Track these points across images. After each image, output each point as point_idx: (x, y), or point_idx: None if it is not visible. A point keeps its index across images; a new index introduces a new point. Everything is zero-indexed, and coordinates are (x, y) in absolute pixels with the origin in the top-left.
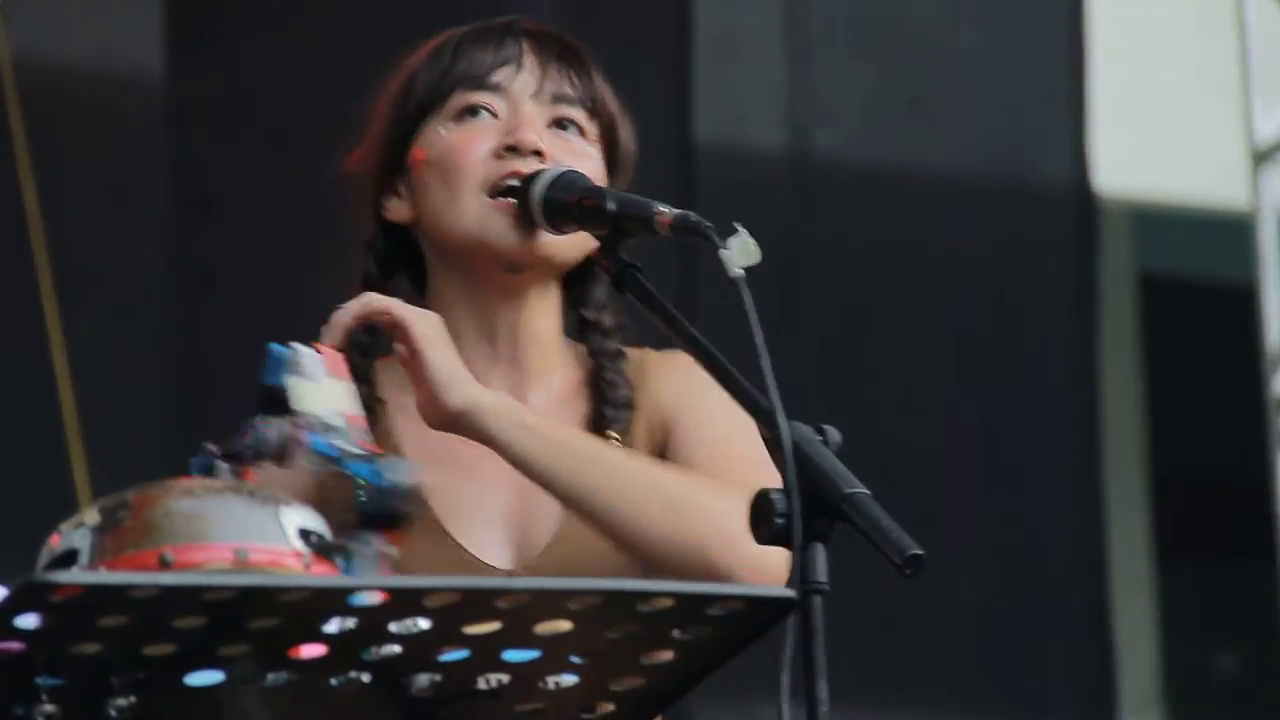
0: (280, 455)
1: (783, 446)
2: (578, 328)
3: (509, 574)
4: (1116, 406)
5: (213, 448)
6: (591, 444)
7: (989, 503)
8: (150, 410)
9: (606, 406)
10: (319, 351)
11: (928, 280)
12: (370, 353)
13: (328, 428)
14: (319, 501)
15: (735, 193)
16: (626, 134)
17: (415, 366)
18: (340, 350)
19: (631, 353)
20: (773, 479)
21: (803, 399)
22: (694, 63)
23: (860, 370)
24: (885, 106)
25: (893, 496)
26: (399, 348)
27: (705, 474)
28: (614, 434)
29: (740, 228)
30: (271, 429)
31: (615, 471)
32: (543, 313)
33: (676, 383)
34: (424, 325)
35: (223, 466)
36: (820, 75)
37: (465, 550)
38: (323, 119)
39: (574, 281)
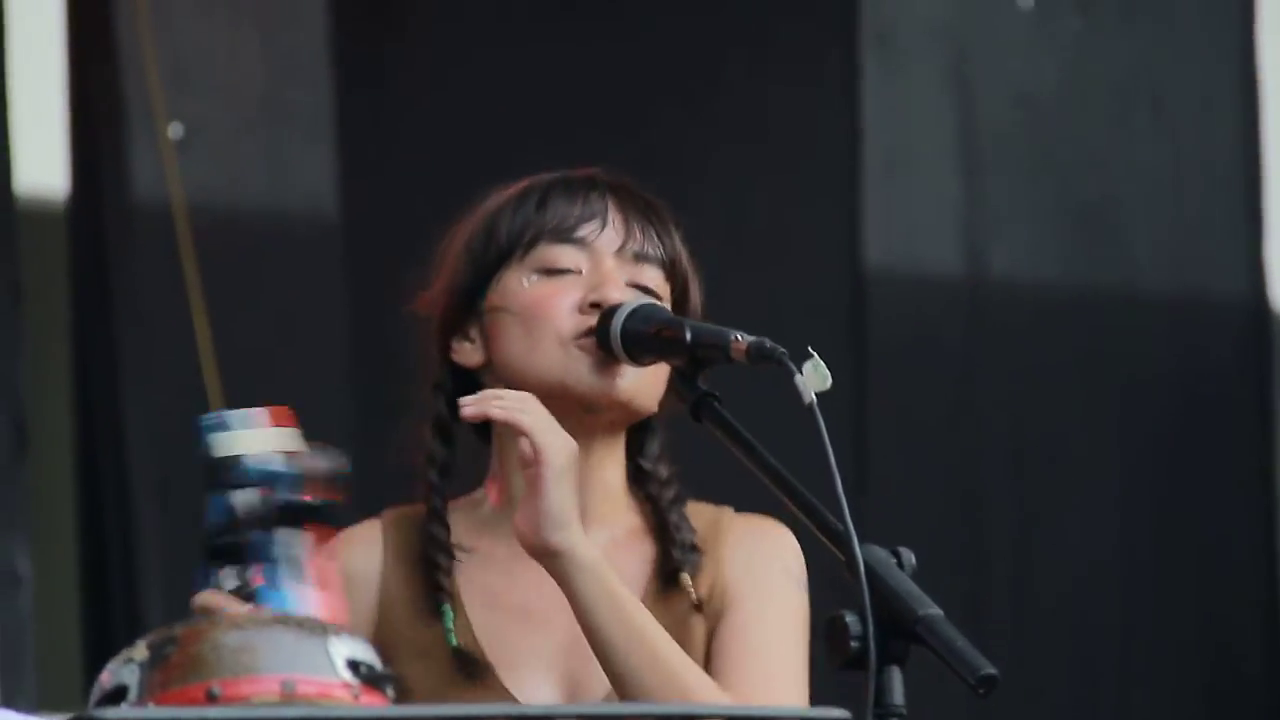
0: (246, 521)
1: (858, 570)
2: (634, 477)
3: None
4: None
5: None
6: (656, 634)
7: (1166, 615)
8: None
9: (674, 548)
10: (260, 410)
11: (1106, 398)
12: (448, 474)
13: (245, 458)
14: None
15: (907, 314)
16: (696, 293)
17: (533, 487)
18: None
19: (707, 508)
20: (805, 694)
21: (980, 520)
22: (864, 182)
23: (1038, 487)
24: (1060, 223)
25: (1060, 608)
26: (526, 462)
27: (742, 679)
28: (686, 579)
29: (814, 353)
30: (230, 501)
31: (667, 677)
32: (610, 462)
33: (746, 559)
34: (556, 454)
35: (222, 573)
36: (995, 192)
37: (515, 700)
38: None
39: (630, 434)
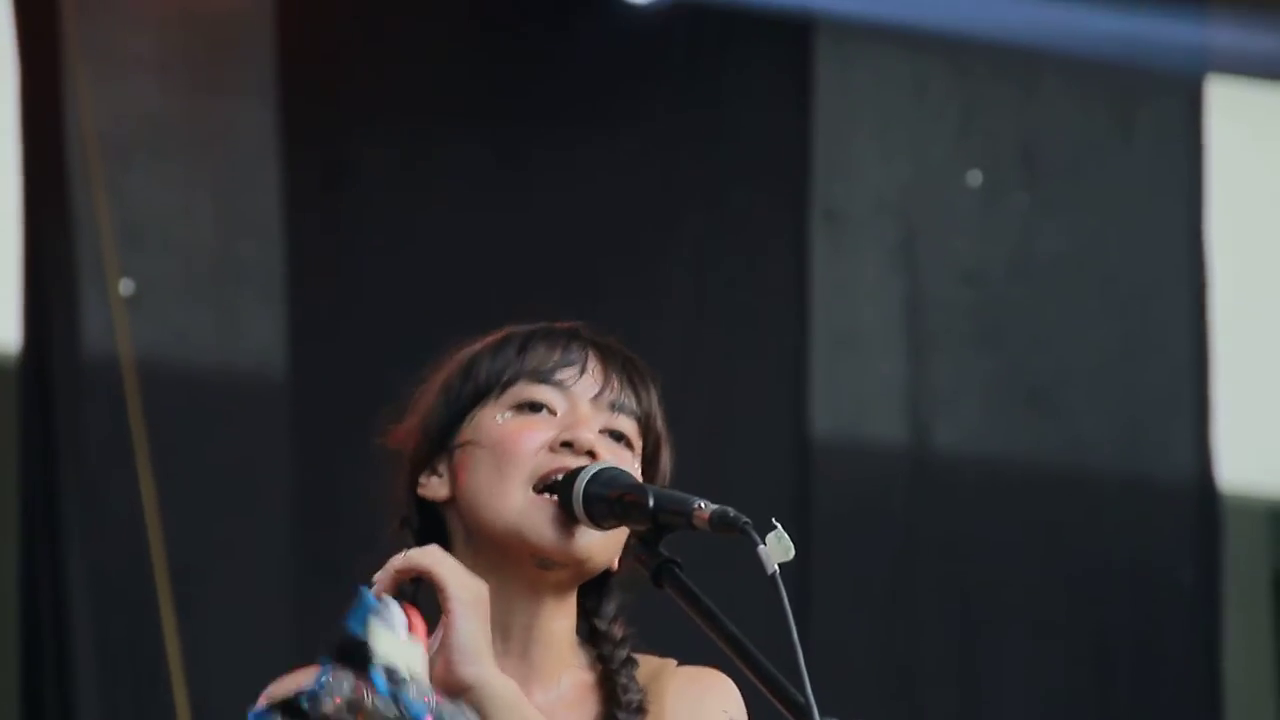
0: (350, 708)
1: None
2: (589, 634)
3: None
4: (1243, 707)
5: (266, 701)
6: None
7: None
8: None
9: (619, 710)
10: (404, 609)
11: (1049, 575)
12: (412, 600)
13: (396, 678)
14: None
15: (852, 488)
16: (667, 457)
17: (446, 628)
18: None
19: (651, 660)
20: None
21: (920, 694)
22: (812, 357)
23: (977, 665)
24: (1006, 401)
25: None
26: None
27: None
28: None
29: (777, 524)
30: (344, 682)
31: None
32: (560, 615)
33: (689, 705)
34: (461, 590)
35: None
36: (940, 369)
37: None
38: None
39: (587, 590)
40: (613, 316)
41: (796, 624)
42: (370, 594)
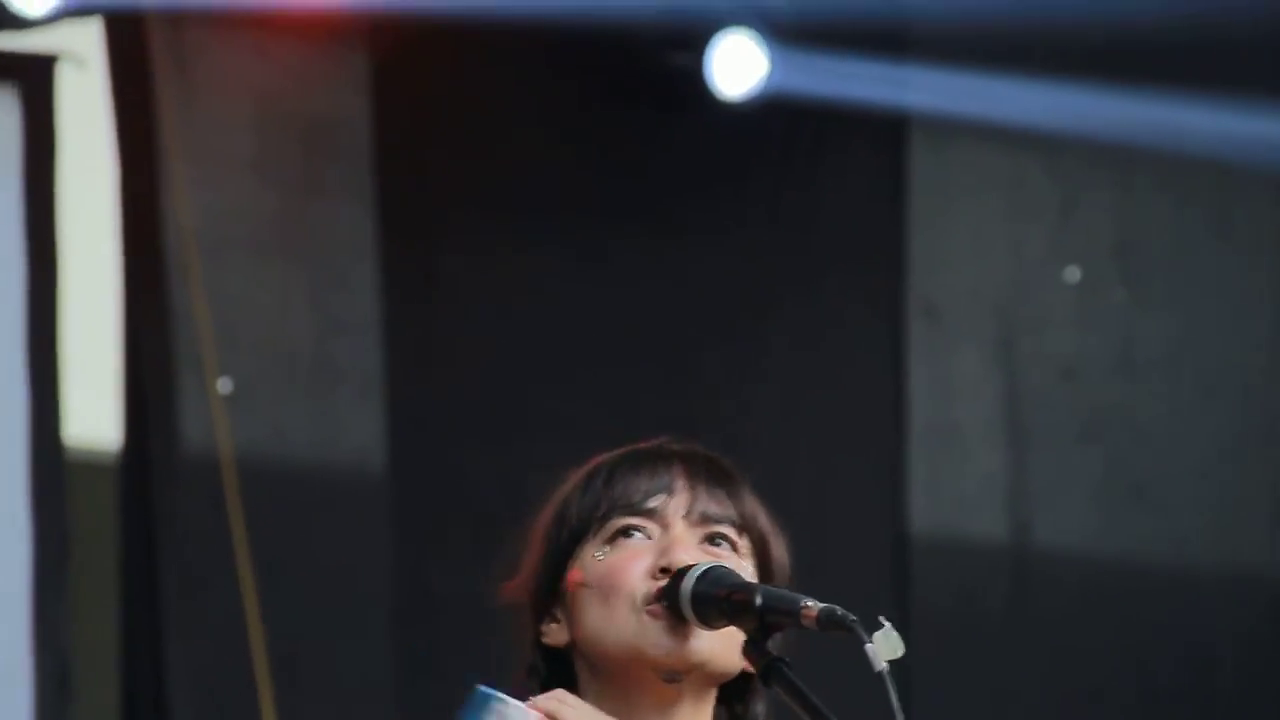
0: None
1: None
2: None
3: None
4: None
5: None
6: None
7: None
8: None
9: None
10: (527, 709)
11: (1150, 672)
12: None
13: None
14: None
15: (952, 585)
16: (779, 550)
17: None
18: None
19: None
20: None
21: None
22: (910, 453)
23: None
24: (1107, 497)
25: None
26: None
27: None
28: None
29: (885, 622)
30: None
31: None
32: None
33: None
34: None
35: None
36: (1040, 466)
37: None
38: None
39: (732, 697)
40: (708, 412)
41: None
42: (485, 691)
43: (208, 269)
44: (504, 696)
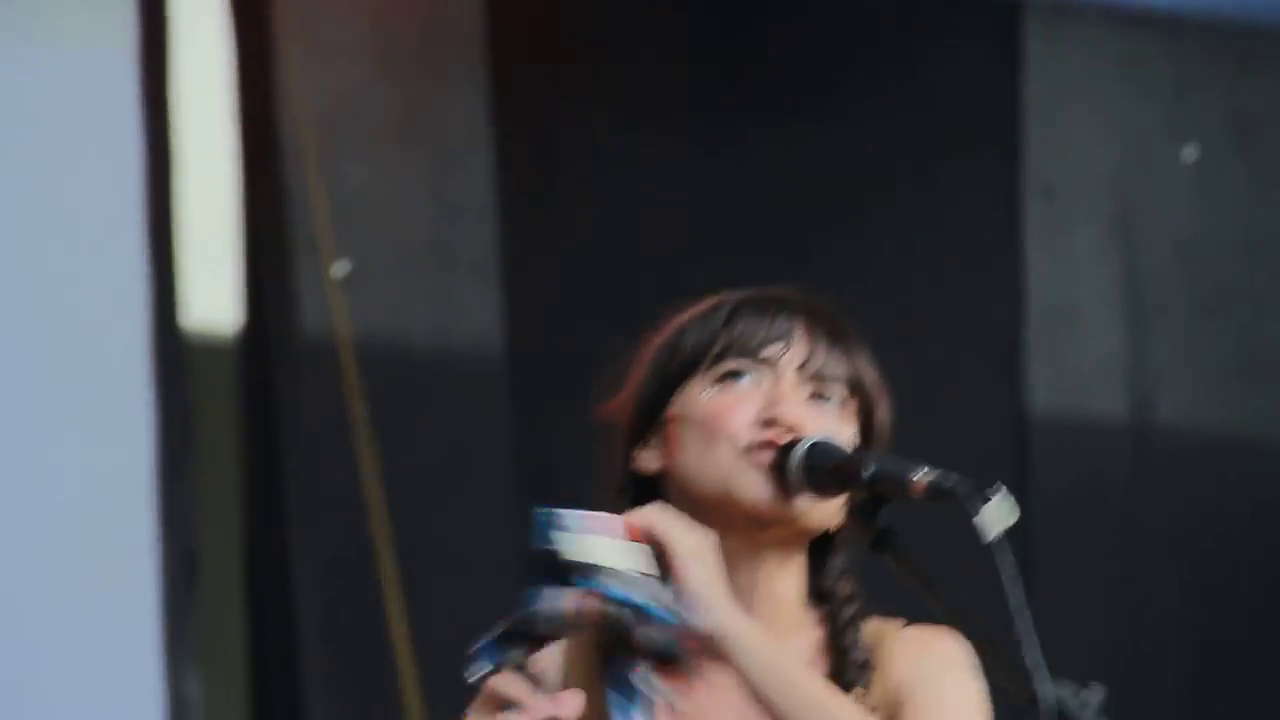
0: (573, 623)
1: (1042, 705)
2: (815, 595)
3: None
4: None
5: (490, 636)
6: (827, 694)
7: None
8: None
9: (845, 670)
10: (593, 514)
11: (1274, 549)
12: None
13: (605, 573)
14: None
15: (1072, 465)
16: (884, 415)
17: (676, 581)
18: None
19: (876, 623)
20: None
21: (1146, 669)
22: (1028, 334)
23: (1204, 640)
24: (1228, 373)
25: None
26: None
27: None
28: (858, 690)
29: (995, 491)
30: (563, 598)
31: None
32: (783, 576)
33: (913, 658)
34: (686, 542)
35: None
36: (1160, 344)
37: None
38: None
39: (814, 549)
40: (824, 290)
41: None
42: (540, 511)
43: (324, 154)
44: (558, 510)
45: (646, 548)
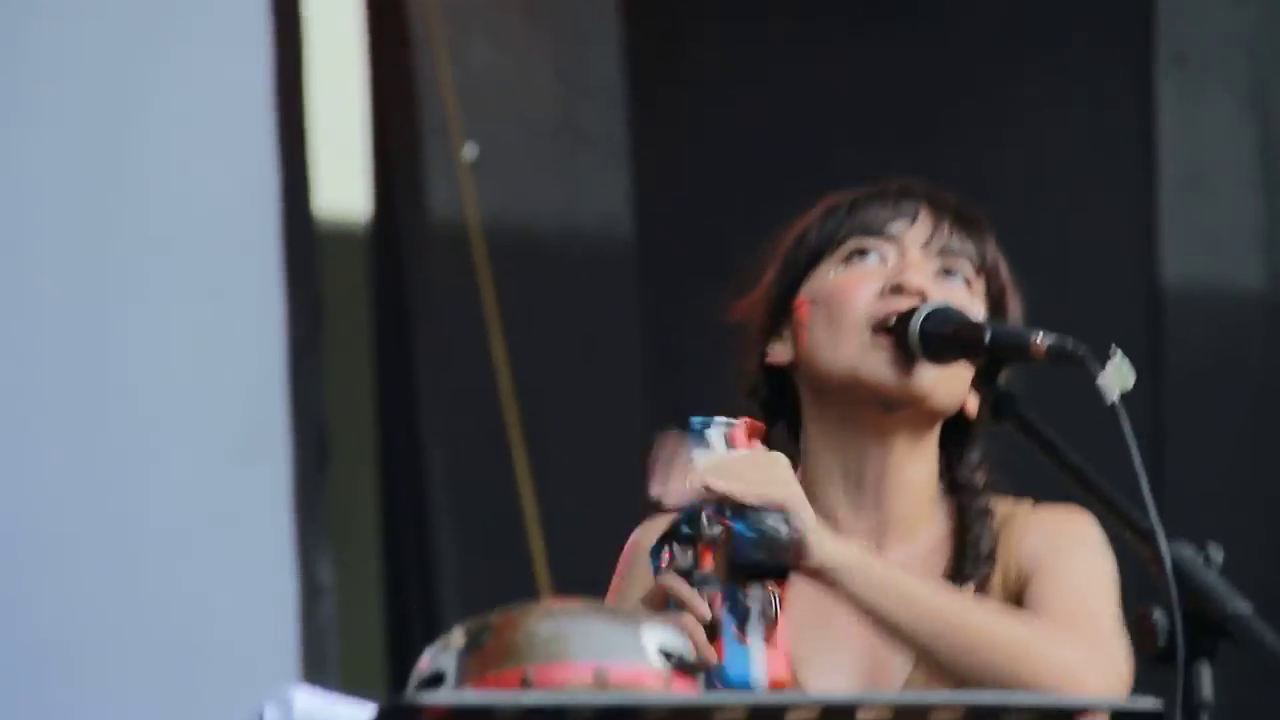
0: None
1: (1165, 566)
2: (949, 485)
3: None
4: None
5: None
6: (936, 595)
7: None
8: (618, 547)
9: (966, 562)
10: (734, 423)
11: None
12: None
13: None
14: None
15: (1205, 332)
16: (1015, 303)
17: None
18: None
19: (1008, 503)
20: (1123, 643)
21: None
22: (1162, 199)
23: None
24: None
25: None
26: None
27: (1060, 620)
28: (971, 586)
29: (1117, 351)
30: (704, 512)
31: (961, 624)
32: (913, 462)
33: (1040, 537)
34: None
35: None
36: None
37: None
38: None
39: (949, 439)
40: (954, 165)
41: (1151, 476)
42: (696, 420)
43: (452, 37)
44: (715, 419)
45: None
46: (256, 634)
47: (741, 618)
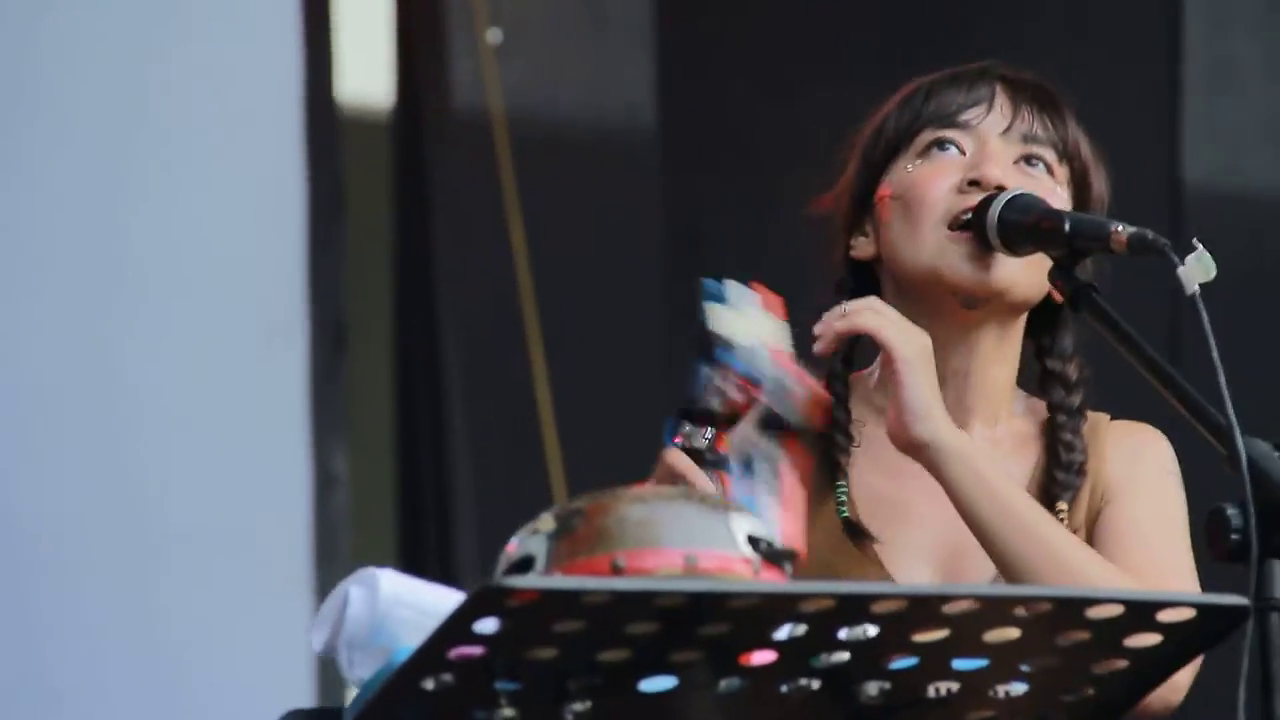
0: (730, 412)
1: (1239, 462)
2: (1040, 380)
3: None
4: None
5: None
6: (1035, 515)
7: None
8: (635, 441)
9: (1059, 470)
10: (752, 288)
11: None
12: (849, 363)
13: (736, 347)
14: None
15: (1228, 229)
16: (1099, 182)
17: (893, 386)
18: (827, 356)
19: (1088, 415)
20: (1189, 583)
21: None
22: (1185, 95)
23: None
24: None
25: None
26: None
27: (1129, 561)
28: (1061, 505)
29: (1199, 244)
30: (708, 373)
31: (1050, 551)
32: (997, 360)
33: (1124, 459)
34: (909, 348)
35: (687, 430)
36: None
37: (889, 578)
38: (811, 157)
39: (1039, 331)
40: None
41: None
42: (709, 281)
43: None
44: (727, 281)
45: (783, 324)
46: (269, 521)
47: (750, 469)
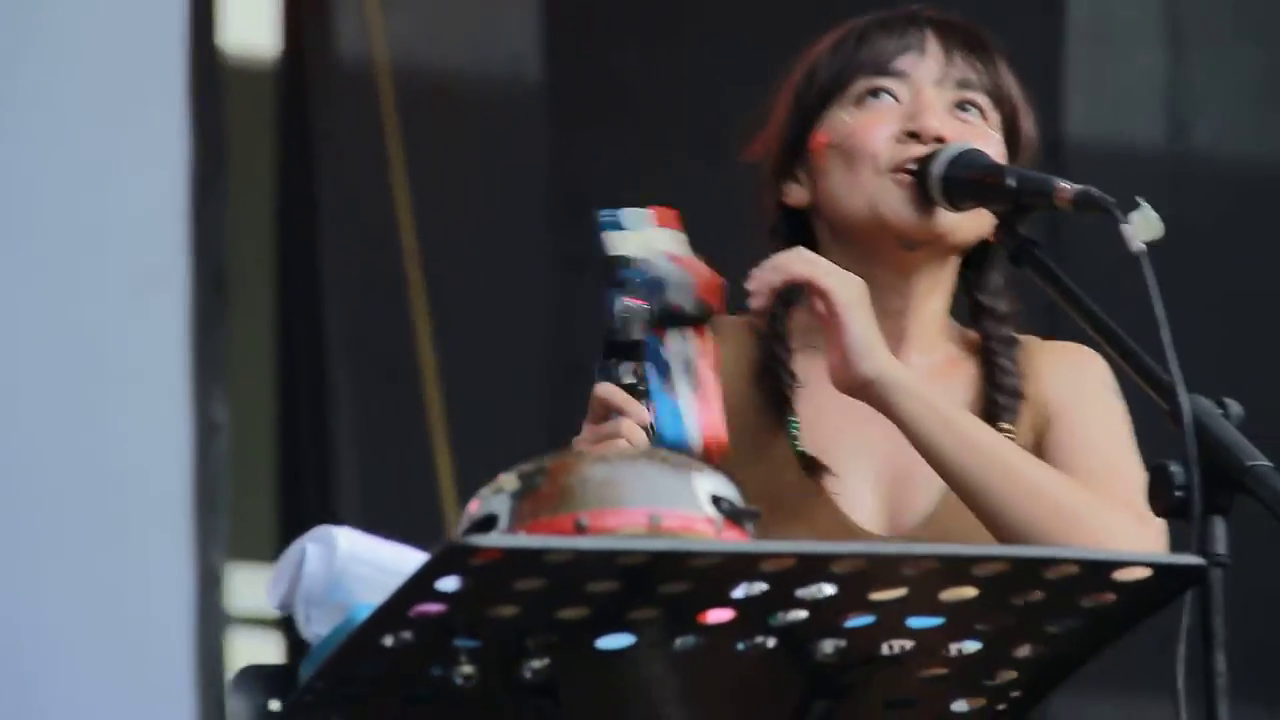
0: (640, 317)
1: (1183, 419)
2: (971, 313)
3: (881, 539)
4: None
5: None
6: (990, 438)
7: None
8: (520, 397)
9: (999, 394)
10: (648, 209)
11: None
12: (788, 303)
13: (632, 260)
14: None
15: (1108, 189)
16: (1028, 123)
17: (832, 329)
18: (765, 307)
19: (1020, 339)
20: (1140, 498)
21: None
22: (1066, 54)
23: (1244, 365)
24: (1269, 98)
25: None
26: (818, 308)
27: (1081, 481)
28: (1006, 425)
29: (1143, 202)
30: (618, 300)
31: (1010, 471)
32: (933, 296)
33: (1065, 377)
34: (847, 292)
35: (620, 368)
36: (1200, 66)
37: (839, 511)
38: (699, 114)
39: (970, 265)
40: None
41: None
42: (604, 213)
43: None
44: (605, 210)
45: (678, 233)
46: (149, 468)
47: (664, 371)
